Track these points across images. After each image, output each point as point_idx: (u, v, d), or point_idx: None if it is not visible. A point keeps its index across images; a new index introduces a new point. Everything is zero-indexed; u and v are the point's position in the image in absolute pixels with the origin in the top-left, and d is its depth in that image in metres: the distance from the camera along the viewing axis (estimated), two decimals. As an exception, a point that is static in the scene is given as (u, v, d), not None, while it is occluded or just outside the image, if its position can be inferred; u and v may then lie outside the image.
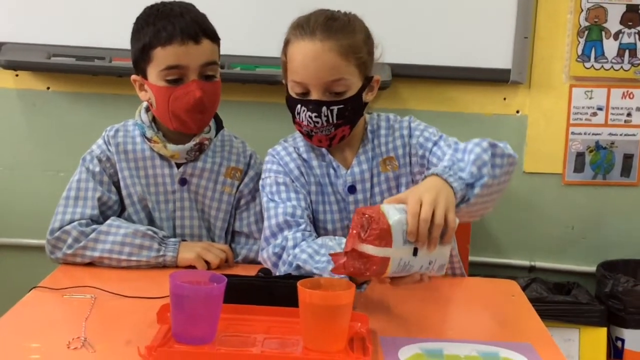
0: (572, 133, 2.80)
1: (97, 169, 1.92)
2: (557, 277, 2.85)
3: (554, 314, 2.60)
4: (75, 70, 2.66)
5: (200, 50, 1.83)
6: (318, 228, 1.84)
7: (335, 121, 1.74)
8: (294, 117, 1.79)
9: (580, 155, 2.81)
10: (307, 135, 1.80)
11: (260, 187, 1.89)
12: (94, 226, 1.86)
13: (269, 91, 2.70)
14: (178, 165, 1.94)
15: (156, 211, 1.94)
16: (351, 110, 1.76)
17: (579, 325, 2.64)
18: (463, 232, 2.15)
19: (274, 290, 1.54)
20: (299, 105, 1.75)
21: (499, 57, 2.70)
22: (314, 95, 1.73)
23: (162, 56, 1.82)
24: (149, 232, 1.85)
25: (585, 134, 2.80)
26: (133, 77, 1.91)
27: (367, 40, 1.78)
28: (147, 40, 1.83)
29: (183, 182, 1.94)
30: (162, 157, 1.93)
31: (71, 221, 1.87)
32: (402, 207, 1.45)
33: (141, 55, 1.85)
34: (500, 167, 1.59)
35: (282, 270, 1.70)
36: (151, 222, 1.94)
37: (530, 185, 2.83)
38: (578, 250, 2.87)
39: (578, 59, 2.75)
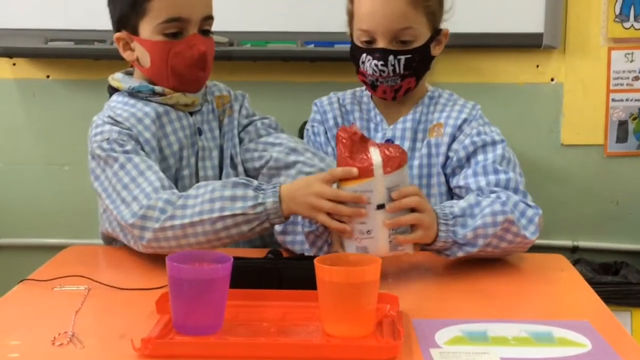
0: (613, 100, 2.65)
1: (129, 147, 1.67)
2: (603, 257, 2.69)
3: (603, 297, 2.37)
4: (75, 55, 2.54)
5: (202, 1, 1.72)
6: None
7: (402, 71, 1.70)
8: (357, 68, 1.75)
9: (622, 124, 2.65)
10: (372, 86, 1.75)
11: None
12: (181, 193, 1.57)
13: (282, 69, 2.56)
14: (191, 115, 1.80)
15: (181, 169, 1.76)
16: (418, 62, 1.71)
17: (630, 307, 2.48)
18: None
19: (287, 272, 1.39)
20: (364, 54, 1.71)
21: (530, 20, 2.54)
22: (381, 44, 1.69)
23: (162, 7, 1.67)
24: (242, 181, 1.56)
25: (627, 100, 2.65)
26: (117, 35, 1.76)
27: None
28: None
29: (199, 131, 1.80)
30: (175, 109, 1.77)
31: (147, 196, 1.55)
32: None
33: (132, 9, 1.69)
34: (507, 243, 1.56)
35: None
36: (176, 183, 1.74)
37: (570, 158, 2.67)
38: (624, 227, 2.71)
39: (616, 19, 2.58)
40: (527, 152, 2.62)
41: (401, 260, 1.61)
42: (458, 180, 1.70)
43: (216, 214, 1.51)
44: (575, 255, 2.67)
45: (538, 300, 1.46)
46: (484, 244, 1.53)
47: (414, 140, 1.76)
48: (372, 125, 1.80)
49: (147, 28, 1.69)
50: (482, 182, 1.65)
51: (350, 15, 1.75)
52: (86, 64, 2.58)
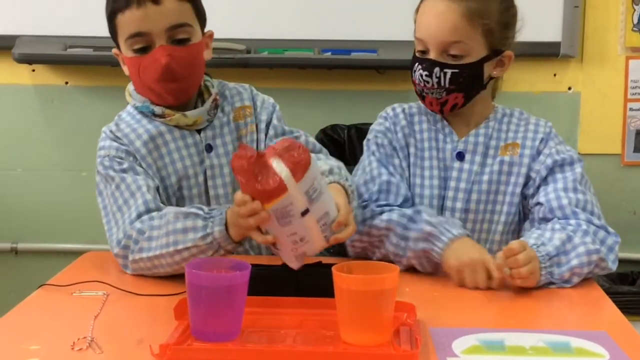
0: (631, 109, 2.63)
1: (126, 165, 1.68)
2: (620, 266, 2.57)
3: (620, 307, 2.36)
4: (94, 62, 2.54)
5: (162, 12, 1.61)
6: (414, 195, 1.76)
7: (447, 85, 1.68)
8: (412, 76, 1.75)
9: (640, 133, 2.62)
10: (420, 95, 1.75)
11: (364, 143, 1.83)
12: (150, 223, 1.57)
13: (299, 76, 2.56)
14: (198, 132, 1.74)
15: (185, 189, 1.72)
16: (467, 78, 1.68)
17: (647, 317, 2.43)
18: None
19: (305, 279, 1.38)
20: (416, 64, 1.72)
21: (548, 29, 2.53)
22: (432, 55, 1.69)
23: (123, 24, 1.63)
24: (192, 210, 1.54)
25: (644, 109, 2.61)
26: (114, 50, 1.73)
27: (505, 10, 1.72)
28: (109, 7, 1.66)
29: (209, 148, 1.74)
30: (180, 127, 1.73)
31: (131, 222, 1.59)
32: None
33: (110, 26, 1.68)
34: (592, 275, 1.62)
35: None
36: (182, 200, 1.72)
37: (586, 167, 2.56)
38: (641, 236, 2.66)
39: (634, 28, 2.57)
40: (543, 161, 2.61)
41: (419, 270, 1.62)
42: (538, 198, 1.71)
43: (171, 248, 1.52)
44: (592, 265, 2.66)
45: (555, 310, 1.45)
46: (576, 281, 1.57)
47: (485, 155, 1.74)
48: (440, 137, 1.76)
49: (122, 44, 1.67)
50: (564, 200, 1.67)
51: (415, 25, 1.75)
52: (105, 71, 2.58)
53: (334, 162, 1.69)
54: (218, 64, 2.44)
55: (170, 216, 1.54)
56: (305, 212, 1.32)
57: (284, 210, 1.30)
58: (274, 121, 1.79)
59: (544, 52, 2.55)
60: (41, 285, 1.52)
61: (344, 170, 1.68)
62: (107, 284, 1.51)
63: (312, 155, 1.36)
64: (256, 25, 2.53)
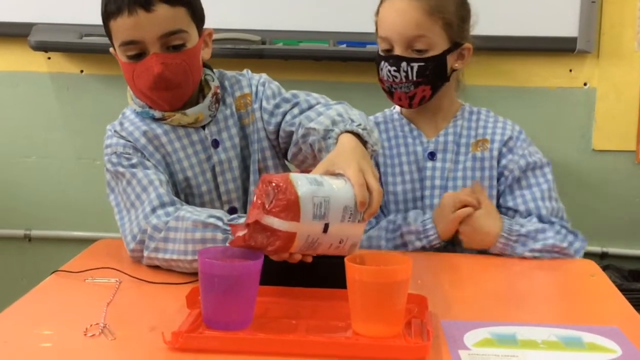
0: (646, 106, 2.59)
1: (135, 160, 1.66)
2: (632, 263, 2.65)
3: (632, 304, 2.36)
4: (109, 50, 2.51)
5: (154, 19, 1.56)
6: (388, 202, 1.83)
7: (414, 79, 1.77)
8: (378, 75, 1.84)
9: (655, 131, 2.60)
10: (389, 92, 1.83)
11: None
12: (166, 219, 1.55)
13: (314, 68, 2.56)
14: (203, 128, 1.71)
15: (194, 187, 1.70)
16: (432, 70, 1.77)
17: (660, 315, 2.42)
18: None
19: (318, 269, 1.37)
20: (382, 62, 1.80)
21: (564, 24, 2.50)
22: (397, 51, 1.78)
23: (116, 30, 1.60)
24: (211, 221, 1.51)
25: (660, 107, 2.59)
26: (111, 50, 1.70)
27: (461, 5, 1.83)
28: (103, 11, 1.62)
29: (216, 143, 1.71)
30: (183, 126, 1.70)
31: (146, 217, 1.58)
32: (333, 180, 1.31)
33: (105, 28, 1.64)
34: (549, 257, 1.70)
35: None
36: (191, 197, 1.72)
37: (600, 164, 2.63)
38: (655, 234, 2.66)
39: (652, 24, 2.53)
40: (557, 157, 2.59)
41: (431, 262, 1.62)
42: (516, 204, 1.80)
43: (189, 257, 1.51)
44: (604, 262, 2.64)
45: (568, 304, 1.45)
46: (531, 257, 1.68)
47: (456, 153, 1.83)
48: (409, 141, 1.85)
49: (117, 48, 1.64)
50: (543, 210, 1.78)
51: (376, 27, 1.84)
52: (120, 60, 2.59)
53: (334, 109, 1.56)
54: (233, 55, 2.45)
55: (188, 223, 1.52)
56: (325, 229, 1.28)
57: (307, 243, 1.27)
58: (264, 103, 1.74)
59: (560, 47, 2.53)
60: (54, 272, 1.53)
61: (349, 110, 1.56)
62: (119, 271, 1.52)
63: (292, 176, 1.27)
64: (271, 16, 2.53)
